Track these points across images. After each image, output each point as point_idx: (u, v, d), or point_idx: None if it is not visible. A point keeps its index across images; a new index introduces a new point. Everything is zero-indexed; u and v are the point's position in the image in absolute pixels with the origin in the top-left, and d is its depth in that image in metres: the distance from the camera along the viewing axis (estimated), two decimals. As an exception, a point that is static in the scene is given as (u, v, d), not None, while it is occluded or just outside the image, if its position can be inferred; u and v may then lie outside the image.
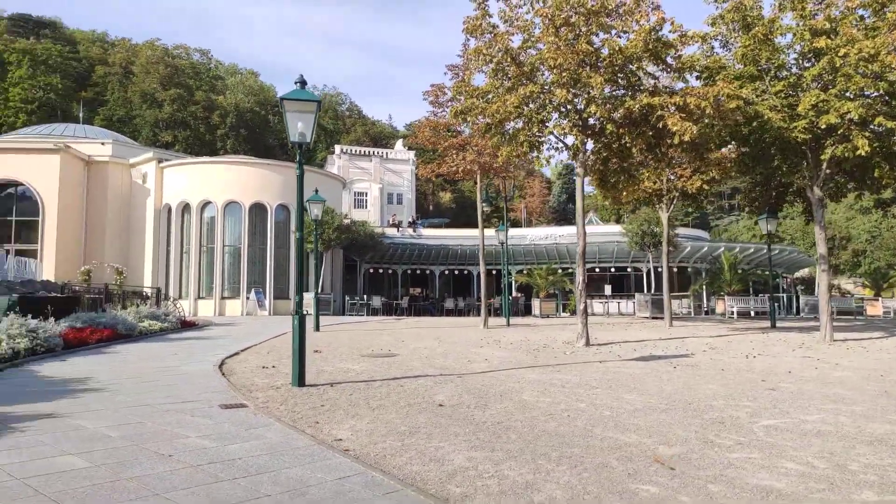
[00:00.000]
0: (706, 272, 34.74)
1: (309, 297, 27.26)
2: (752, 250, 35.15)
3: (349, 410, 6.57)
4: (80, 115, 64.50)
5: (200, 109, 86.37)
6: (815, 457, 4.82)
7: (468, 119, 15.03)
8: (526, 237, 39.14)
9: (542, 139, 14.99)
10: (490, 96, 14.69)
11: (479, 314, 32.42)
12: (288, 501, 3.65)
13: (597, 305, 34.34)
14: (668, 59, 14.36)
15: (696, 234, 42.73)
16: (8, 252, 23.87)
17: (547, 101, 14.26)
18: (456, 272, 38.63)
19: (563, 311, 33.78)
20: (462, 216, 73.46)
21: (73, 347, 11.78)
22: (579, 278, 14.80)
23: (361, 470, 4.31)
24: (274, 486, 3.91)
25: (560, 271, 31.85)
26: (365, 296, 33.34)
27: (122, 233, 31.61)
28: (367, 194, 69.46)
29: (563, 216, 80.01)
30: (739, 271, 31.42)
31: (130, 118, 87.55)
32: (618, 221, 45.03)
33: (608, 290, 35.02)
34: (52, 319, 12.02)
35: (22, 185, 29.10)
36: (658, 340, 16.06)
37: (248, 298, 30.27)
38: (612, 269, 36.43)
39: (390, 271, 38.06)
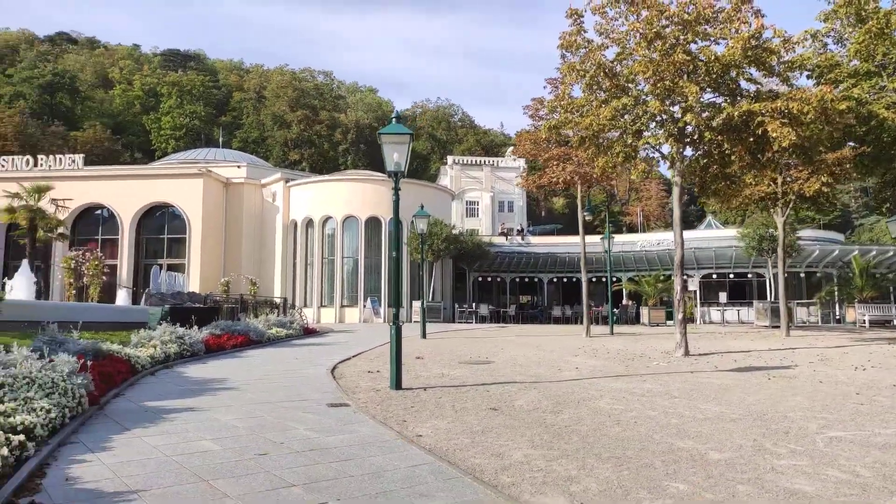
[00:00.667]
0: (837, 278, 32.34)
1: (418, 305, 28.58)
2: (891, 253, 32.29)
3: (434, 412, 7.41)
4: (220, 139, 71.13)
5: (324, 128, 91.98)
6: (864, 467, 4.99)
7: (562, 133, 15.51)
8: (637, 243, 38.40)
9: (638, 149, 15.16)
10: (584, 109, 15.07)
11: (597, 322, 32.45)
12: (367, 481, 4.52)
13: (714, 313, 33.07)
14: (772, 64, 14.01)
15: (828, 237, 39.77)
16: (161, 267, 27.30)
17: (641, 112, 14.43)
18: (564, 280, 38.62)
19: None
20: (575, 222, 72.47)
21: (213, 352, 13.61)
22: (677, 287, 14.79)
23: (431, 460, 5.10)
24: (358, 470, 4.80)
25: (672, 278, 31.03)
26: (474, 304, 34.33)
27: (256, 247, 34.87)
28: (478, 203, 70.73)
29: (684, 219, 76.42)
30: (876, 276, 29.03)
31: (263, 139, 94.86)
32: (743, 223, 42.92)
33: (723, 297, 33.56)
34: (196, 327, 13.95)
35: (172, 206, 33.03)
36: (766, 351, 15.57)
37: (364, 307, 32.27)
38: (731, 276, 34.85)
39: (499, 279, 38.80)
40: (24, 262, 18.41)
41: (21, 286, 16.85)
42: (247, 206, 34.86)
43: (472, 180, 71.23)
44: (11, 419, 4.99)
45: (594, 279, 37.07)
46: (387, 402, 8.06)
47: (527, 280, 40.15)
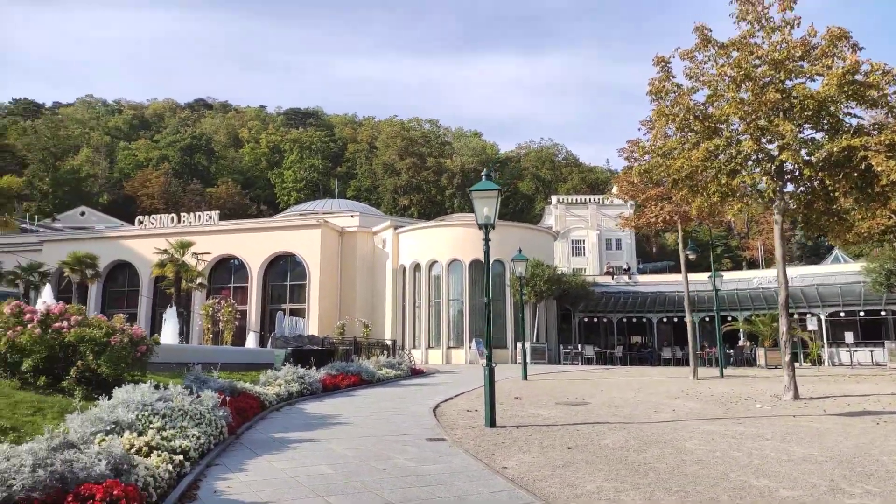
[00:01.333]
0: None
1: (525, 347, 28.95)
2: None
3: (522, 447, 8.03)
4: (336, 189, 75.89)
5: (431, 174, 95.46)
6: (936, 510, 5.09)
7: (653, 177, 15.80)
8: (752, 280, 36.68)
9: (735, 189, 15.11)
10: (676, 152, 15.31)
11: (709, 365, 31.26)
12: (452, 502, 5.28)
13: (843, 354, 30.82)
14: (873, 97, 13.67)
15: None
16: (285, 311, 29.75)
17: (735, 153, 14.47)
18: (675, 319, 37.48)
19: (803, 360, 30.93)
20: (697, 257, 70.06)
21: (329, 390, 14.94)
22: (783, 328, 14.43)
23: (510, 488, 5.77)
24: (446, 493, 5.58)
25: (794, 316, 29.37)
26: (579, 345, 34.17)
27: (368, 291, 36.96)
28: (584, 242, 70.17)
29: (814, 252, 71.19)
30: None
31: (375, 187, 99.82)
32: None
33: (850, 337, 31.16)
34: (314, 368, 15.38)
35: (294, 255, 35.94)
36: (889, 395, 14.67)
37: (469, 348, 33.12)
38: (862, 313, 32.37)
39: (605, 320, 38.33)
40: (171, 310, 21.08)
41: (168, 331, 19.34)
42: (360, 253, 37.18)
43: (577, 219, 70.99)
44: (173, 443, 6.24)
45: (707, 318, 35.76)
46: (480, 438, 8.77)
47: (634, 320, 39.36)
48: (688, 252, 22.40)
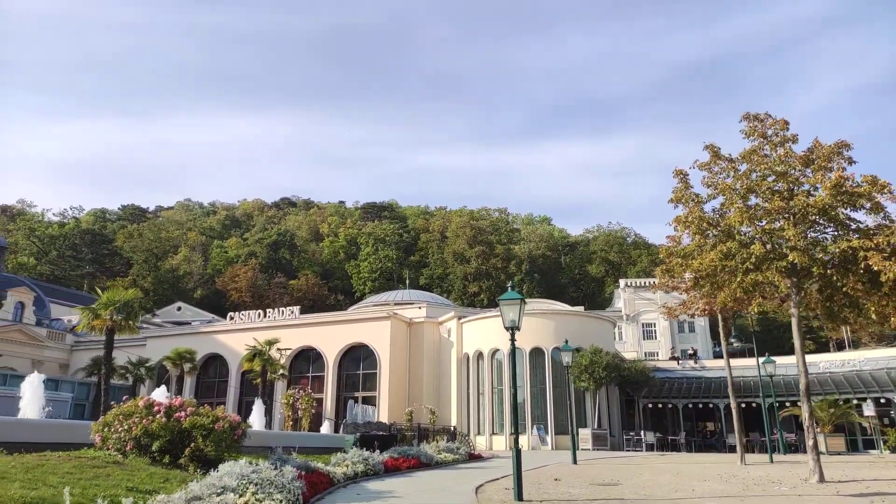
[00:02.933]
0: None
1: (585, 433, 29.90)
2: None
3: (534, 516, 9.81)
4: (407, 280, 79.50)
5: (500, 261, 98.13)
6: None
7: (675, 276, 17.56)
8: (819, 364, 36.21)
9: (755, 284, 16.62)
10: (694, 254, 17.11)
11: (774, 451, 30.92)
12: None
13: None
14: (863, 205, 15.20)
15: None
16: (357, 399, 32.18)
17: (747, 255, 16.14)
18: (743, 405, 37.20)
19: (882, 448, 30.08)
20: (769, 339, 68.16)
21: (390, 471, 16.93)
22: (805, 414, 15.45)
23: (506, 540, 7.68)
24: (456, 542, 7.56)
25: (853, 401, 29.05)
26: (642, 431, 34.50)
27: (434, 378, 38.99)
28: (655, 325, 69.87)
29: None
30: None
31: (446, 275, 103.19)
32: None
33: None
34: (378, 451, 17.48)
35: (366, 345, 38.72)
36: (921, 480, 15.18)
37: (531, 434, 34.16)
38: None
39: (670, 406, 38.46)
40: (258, 401, 23.94)
41: (255, 418, 22.06)
42: (426, 342, 39.56)
43: (646, 302, 71.11)
44: (265, 502, 8.54)
45: (777, 404, 35.37)
46: (504, 509, 10.59)
47: (701, 406, 39.22)
48: (732, 340, 23.37)
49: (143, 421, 11.19)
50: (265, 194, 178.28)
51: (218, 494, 8.30)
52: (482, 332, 37.75)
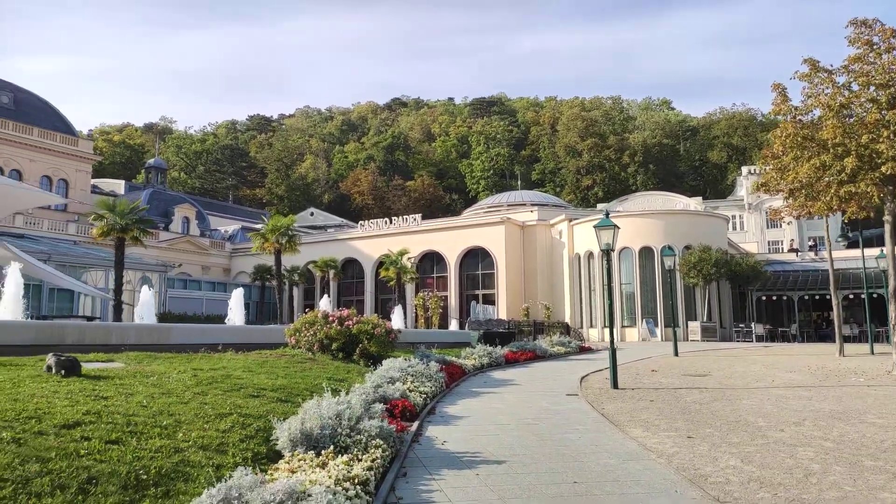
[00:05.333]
0: None
1: (696, 326, 31.89)
2: None
3: (623, 399, 12.57)
4: (518, 179, 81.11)
5: (613, 152, 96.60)
6: None
7: (770, 189, 18.63)
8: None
9: (850, 195, 17.46)
10: (791, 165, 18.05)
11: (884, 341, 31.37)
12: (560, 420, 10.19)
13: None
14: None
15: None
16: (477, 298, 35.90)
17: (841, 168, 16.92)
18: (863, 296, 37.08)
19: None
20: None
21: (510, 363, 20.30)
22: (892, 314, 16.69)
23: (597, 417, 10.51)
24: (559, 417, 10.49)
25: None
26: (752, 323, 35.80)
27: (547, 278, 41.88)
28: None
29: None
30: None
31: (558, 169, 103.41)
32: None
33: None
34: (499, 346, 20.85)
35: (483, 248, 42.03)
36: None
37: (642, 327, 36.55)
38: None
39: (784, 298, 39.04)
40: (397, 305, 28.14)
41: (397, 319, 26.23)
42: (539, 244, 42.18)
43: (769, 190, 68.40)
44: (420, 389, 11.90)
45: (876, 296, 34.97)
46: (600, 394, 13.42)
47: (818, 297, 39.44)
48: (838, 239, 23.92)
49: (324, 328, 14.91)
50: (377, 95, 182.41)
51: (390, 383, 11.75)
52: (592, 233, 39.58)
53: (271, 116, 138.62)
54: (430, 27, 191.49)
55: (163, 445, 5.46)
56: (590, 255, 39.72)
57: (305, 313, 16.06)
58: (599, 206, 59.46)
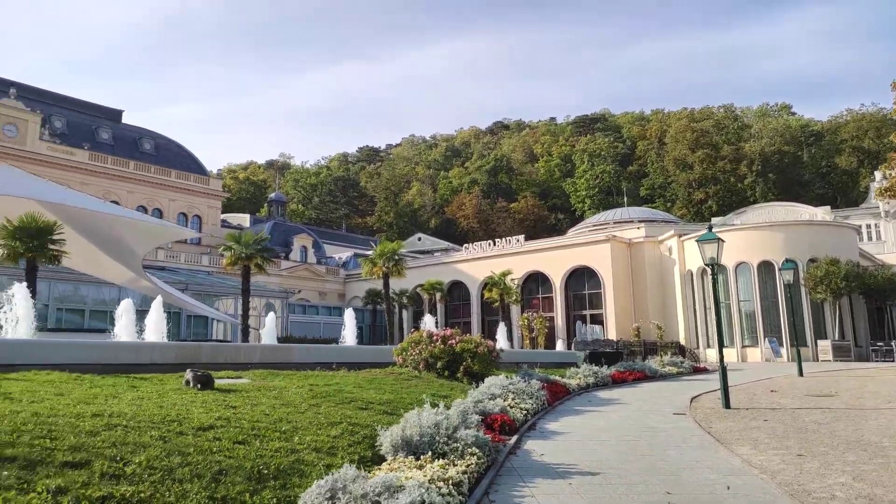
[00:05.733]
0: None
1: (826, 344, 29.78)
2: None
3: (736, 420, 12.10)
4: (625, 196, 79.12)
5: (727, 163, 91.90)
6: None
7: (898, 194, 17.21)
8: None
9: None
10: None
11: None
12: (665, 439, 10.05)
13: None
14: None
15: None
16: (585, 318, 35.41)
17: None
18: None
19: None
20: None
21: (617, 383, 19.94)
22: None
23: (702, 434, 10.25)
24: (663, 435, 10.34)
25: None
26: (893, 341, 32.65)
27: (658, 296, 40.51)
28: (921, 221, 61.39)
29: None
30: None
31: (668, 183, 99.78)
32: None
33: None
34: (605, 366, 20.55)
35: (588, 267, 41.45)
36: None
37: (765, 346, 34.36)
38: None
39: (932, 313, 35.30)
40: (501, 324, 28.45)
41: (501, 339, 26.51)
42: (648, 261, 40.96)
43: (909, 195, 62.27)
44: (520, 405, 12.14)
45: None
46: (710, 414, 12.98)
47: (972, 312, 35.34)
48: None
49: (429, 347, 15.53)
50: (479, 120, 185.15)
51: (490, 399, 12.08)
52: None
53: (379, 147, 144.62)
54: (530, 49, 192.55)
55: (281, 447, 6.16)
56: (703, 271, 37.98)
57: (412, 333, 16.79)
58: (714, 220, 56.68)
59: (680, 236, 39.79)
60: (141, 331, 15.77)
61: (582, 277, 42.16)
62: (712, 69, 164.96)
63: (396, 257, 28.38)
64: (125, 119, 56.62)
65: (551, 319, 40.46)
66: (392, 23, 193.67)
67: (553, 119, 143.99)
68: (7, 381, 8.17)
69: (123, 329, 14.65)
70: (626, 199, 75.32)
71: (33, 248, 17.13)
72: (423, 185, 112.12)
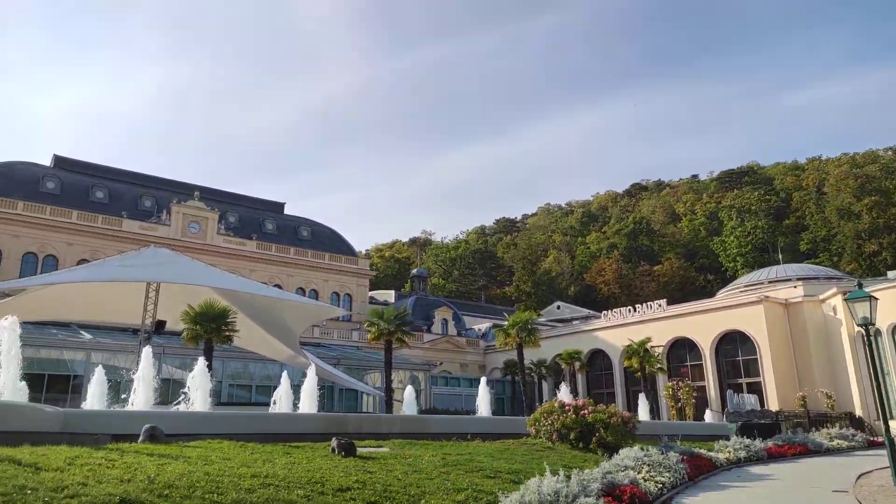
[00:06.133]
0: None
1: None
2: None
3: (904, 499, 10.87)
4: (779, 252, 73.34)
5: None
6: None
7: None
8: None
9: None
10: None
11: None
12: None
13: None
14: None
15: None
16: (740, 386, 32.95)
17: None
18: None
19: None
20: None
21: (773, 458, 18.38)
22: None
23: (859, 515, 9.40)
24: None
25: None
26: None
27: (824, 361, 36.70)
28: None
29: None
30: None
31: (832, 235, 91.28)
32: None
33: None
34: (758, 439, 19.08)
35: (740, 331, 38.73)
36: None
37: (963, 417, 29.68)
38: None
39: None
40: (642, 395, 27.40)
41: (642, 410, 25.46)
42: (809, 323, 37.47)
43: None
44: (655, 478, 11.82)
45: None
46: (877, 492, 11.73)
47: None
48: None
49: (560, 417, 15.59)
50: (615, 184, 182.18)
51: (621, 471, 11.91)
52: (877, 307, 34.09)
53: (515, 217, 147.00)
54: (669, 108, 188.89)
55: (409, 508, 6.81)
56: (877, 332, 34.01)
57: (545, 404, 16.94)
58: (890, 273, 50.75)
59: (844, 294, 36.03)
60: (297, 404, 17.42)
61: (734, 343, 39.34)
62: (874, 109, 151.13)
63: (530, 327, 28.65)
64: (287, 210, 63.23)
65: (702, 388, 37.89)
66: (526, 98, 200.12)
67: (695, 176, 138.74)
68: (187, 448, 9.65)
69: (282, 402, 16.32)
70: (780, 255, 69.75)
71: (211, 330, 19.73)
72: (560, 252, 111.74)
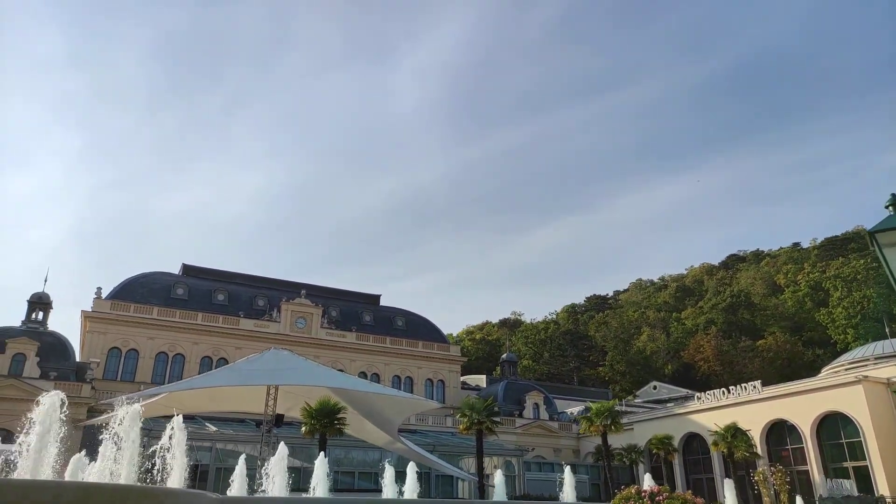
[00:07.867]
0: None
1: None
2: None
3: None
4: (887, 328, 69.16)
5: None
6: None
7: None
8: None
9: None
10: None
11: None
12: None
13: None
14: None
15: None
16: (842, 473, 31.97)
17: None
18: None
19: None
20: None
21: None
22: None
23: None
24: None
25: None
26: None
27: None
28: None
29: None
30: None
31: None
32: None
33: None
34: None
35: (840, 412, 37.54)
36: None
37: None
38: None
39: None
40: (728, 481, 27.53)
41: (729, 498, 25.64)
42: (919, 402, 35.91)
43: None
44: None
45: None
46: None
47: None
48: None
49: (635, 504, 17.07)
50: (710, 256, 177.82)
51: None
52: None
53: (606, 294, 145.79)
54: (765, 174, 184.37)
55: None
56: None
57: (623, 491, 18.43)
58: None
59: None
60: (401, 491, 19.77)
61: (836, 424, 37.98)
62: None
63: (613, 415, 29.68)
64: (382, 301, 67.52)
65: (804, 473, 36.56)
66: (613, 171, 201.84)
67: (797, 245, 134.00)
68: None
69: (388, 490, 18.80)
70: (888, 328, 65.68)
71: (326, 424, 22.78)
72: (654, 329, 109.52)
